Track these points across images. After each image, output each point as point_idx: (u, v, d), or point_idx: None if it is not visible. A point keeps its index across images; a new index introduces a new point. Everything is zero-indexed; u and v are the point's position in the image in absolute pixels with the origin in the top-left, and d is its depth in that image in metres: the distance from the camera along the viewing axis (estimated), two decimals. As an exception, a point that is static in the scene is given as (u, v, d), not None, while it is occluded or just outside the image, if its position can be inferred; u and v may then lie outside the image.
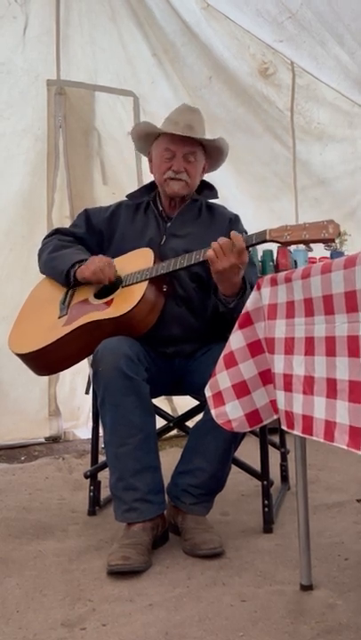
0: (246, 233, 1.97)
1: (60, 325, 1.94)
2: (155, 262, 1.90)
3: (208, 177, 2.17)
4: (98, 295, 1.95)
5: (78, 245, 2.08)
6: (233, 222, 2.06)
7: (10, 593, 1.53)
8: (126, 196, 2.16)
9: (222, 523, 1.99)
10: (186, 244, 1.94)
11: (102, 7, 3.54)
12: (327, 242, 1.59)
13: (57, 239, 2.11)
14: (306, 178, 4.10)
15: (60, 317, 1.97)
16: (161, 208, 2.07)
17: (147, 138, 2.07)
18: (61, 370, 2.10)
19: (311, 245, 1.66)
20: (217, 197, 2.14)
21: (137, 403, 1.76)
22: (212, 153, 2.06)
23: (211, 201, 2.13)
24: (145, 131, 2.07)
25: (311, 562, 1.50)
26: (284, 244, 1.66)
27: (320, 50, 3.68)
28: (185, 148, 1.98)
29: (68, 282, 1.99)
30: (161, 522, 1.79)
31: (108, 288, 1.94)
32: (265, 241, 1.69)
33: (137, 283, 1.87)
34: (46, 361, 1.97)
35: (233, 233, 1.72)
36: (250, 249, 1.84)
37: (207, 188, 2.14)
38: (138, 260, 1.94)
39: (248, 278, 1.85)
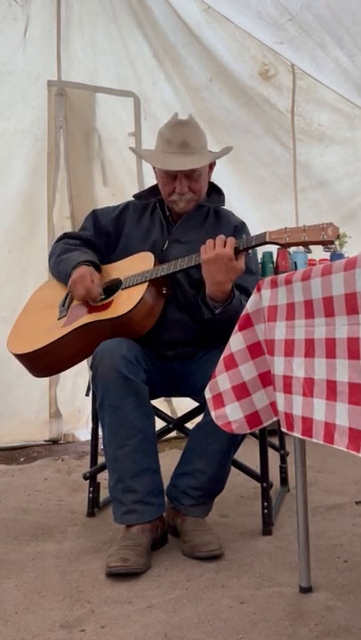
0: None
1: (59, 326, 1.94)
2: (155, 265, 1.89)
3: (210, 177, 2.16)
4: None
5: (84, 248, 2.07)
6: (238, 230, 2.02)
7: (8, 594, 1.53)
8: (133, 196, 2.14)
9: (221, 525, 1.99)
10: (188, 251, 1.90)
11: (103, 8, 3.55)
12: (326, 244, 1.60)
13: (64, 243, 2.11)
14: (306, 179, 4.10)
15: (59, 319, 1.98)
16: (168, 213, 2.04)
17: None
18: (59, 371, 2.10)
19: (310, 247, 1.67)
20: (223, 204, 2.10)
21: (136, 404, 1.76)
22: (220, 154, 2.04)
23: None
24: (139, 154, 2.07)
25: (310, 564, 1.50)
26: (284, 246, 1.67)
27: (320, 52, 3.69)
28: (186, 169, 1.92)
29: None
30: (160, 524, 1.79)
31: (107, 290, 1.95)
32: (265, 243, 1.70)
33: (136, 285, 1.87)
34: (44, 362, 1.97)
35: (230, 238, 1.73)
36: (250, 251, 1.84)
37: (216, 192, 2.10)
38: (138, 263, 1.94)
39: (245, 285, 1.85)
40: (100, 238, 2.11)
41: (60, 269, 2.03)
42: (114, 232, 2.09)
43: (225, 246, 1.72)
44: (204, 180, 2.01)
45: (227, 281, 1.75)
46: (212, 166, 2.04)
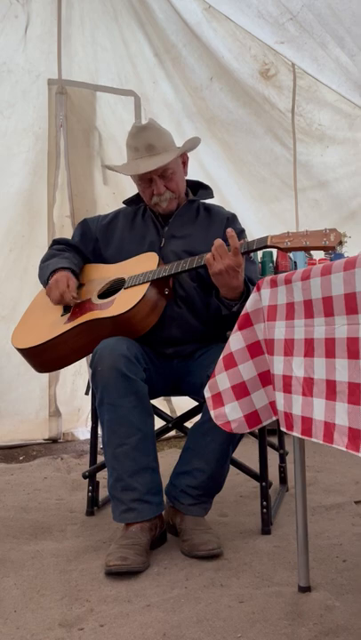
0: (243, 231, 2.01)
1: (61, 323, 1.97)
2: (159, 266, 1.91)
3: (211, 177, 2.16)
4: (101, 295, 1.98)
5: (66, 254, 2.12)
6: (230, 221, 2.08)
7: (7, 593, 1.53)
8: (123, 202, 2.19)
9: (221, 524, 1.99)
10: (185, 245, 1.95)
11: (104, 7, 3.55)
12: (328, 250, 1.60)
13: (50, 250, 2.20)
14: (306, 179, 4.11)
15: (62, 315, 2.00)
16: (159, 212, 2.07)
17: None
18: (61, 367, 2.12)
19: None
20: (212, 197, 2.16)
21: (135, 403, 1.76)
22: (186, 146, 2.06)
23: (208, 201, 2.15)
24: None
25: (309, 563, 1.50)
26: (285, 251, 1.67)
27: (321, 52, 3.69)
28: (157, 169, 1.96)
29: None
30: (159, 522, 1.79)
31: (112, 289, 1.97)
32: (266, 247, 1.70)
33: (139, 284, 1.89)
34: (46, 357, 2.00)
35: (229, 230, 1.72)
36: (251, 254, 1.85)
37: (202, 188, 2.16)
38: (143, 264, 1.96)
39: (248, 275, 1.86)
40: (87, 245, 2.16)
41: (41, 275, 2.12)
42: (102, 238, 2.13)
43: (231, 251, 1.71)
44: (180, 176, 2.05)
45: (240, 283, 1.77)
46: (185, 162, 2.09)
